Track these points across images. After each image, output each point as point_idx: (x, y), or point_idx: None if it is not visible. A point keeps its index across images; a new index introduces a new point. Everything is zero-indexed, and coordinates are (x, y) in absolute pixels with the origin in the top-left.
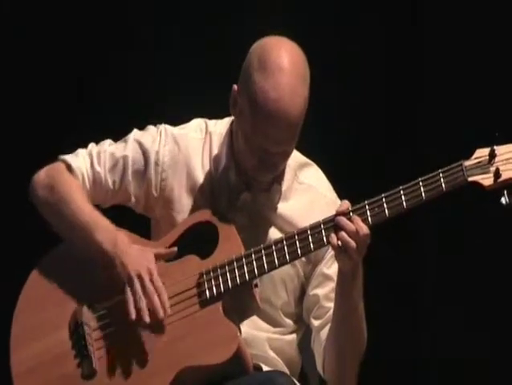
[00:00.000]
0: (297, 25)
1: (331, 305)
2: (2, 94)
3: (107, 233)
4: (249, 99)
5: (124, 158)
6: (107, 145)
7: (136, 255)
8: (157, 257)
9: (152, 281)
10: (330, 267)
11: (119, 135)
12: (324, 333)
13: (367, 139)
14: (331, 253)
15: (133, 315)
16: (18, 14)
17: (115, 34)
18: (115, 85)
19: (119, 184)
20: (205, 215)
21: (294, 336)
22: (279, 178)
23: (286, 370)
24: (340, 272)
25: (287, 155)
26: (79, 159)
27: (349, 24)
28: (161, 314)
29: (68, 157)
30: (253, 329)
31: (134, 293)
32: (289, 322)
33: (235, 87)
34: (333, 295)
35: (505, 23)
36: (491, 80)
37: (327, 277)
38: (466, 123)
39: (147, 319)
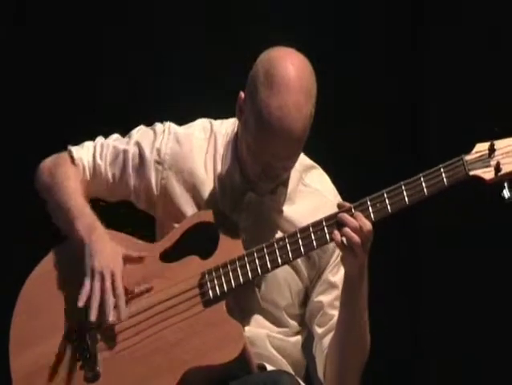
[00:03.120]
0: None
1: (335, 312)
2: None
3: (87, 222)
4: (254, 112)
5: (125, 152)
6: (113, 139)
7: (107, 253)
8: (125, 259)
9: (113, 284)
10: (335, 274)
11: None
12: (327, 340)
13: (367, 139)
14: (336, 260)
15: (81, 303)
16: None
17: (115, 35)
18: (115, 83)
19: (118, 177)
20: (206, 216)
21: (298, 338)
22: (284, 181)
23: (291, 371)
24: (347, 276)
25: (289, 168)
26: (84, 150)
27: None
28: (110, 317)
29: (74, 148)
30: (253, 327)
31: (91, 289)
32: (293, 323)
33: (242, 94)
34: (337, 303)
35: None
36: (488, 77)
37: (332, 285)
38: (465, 119)
39: (92, 318)
